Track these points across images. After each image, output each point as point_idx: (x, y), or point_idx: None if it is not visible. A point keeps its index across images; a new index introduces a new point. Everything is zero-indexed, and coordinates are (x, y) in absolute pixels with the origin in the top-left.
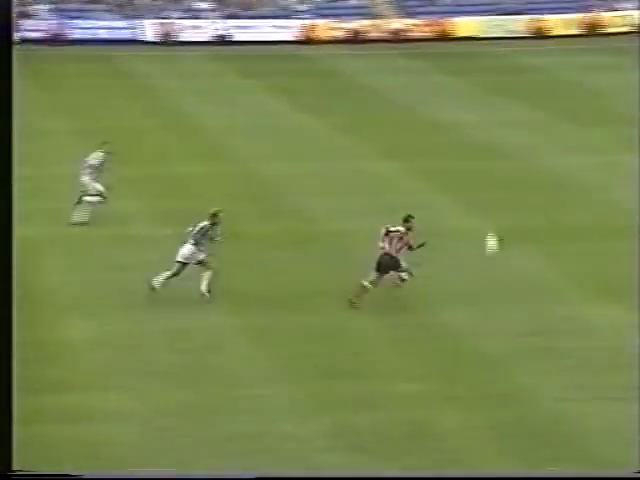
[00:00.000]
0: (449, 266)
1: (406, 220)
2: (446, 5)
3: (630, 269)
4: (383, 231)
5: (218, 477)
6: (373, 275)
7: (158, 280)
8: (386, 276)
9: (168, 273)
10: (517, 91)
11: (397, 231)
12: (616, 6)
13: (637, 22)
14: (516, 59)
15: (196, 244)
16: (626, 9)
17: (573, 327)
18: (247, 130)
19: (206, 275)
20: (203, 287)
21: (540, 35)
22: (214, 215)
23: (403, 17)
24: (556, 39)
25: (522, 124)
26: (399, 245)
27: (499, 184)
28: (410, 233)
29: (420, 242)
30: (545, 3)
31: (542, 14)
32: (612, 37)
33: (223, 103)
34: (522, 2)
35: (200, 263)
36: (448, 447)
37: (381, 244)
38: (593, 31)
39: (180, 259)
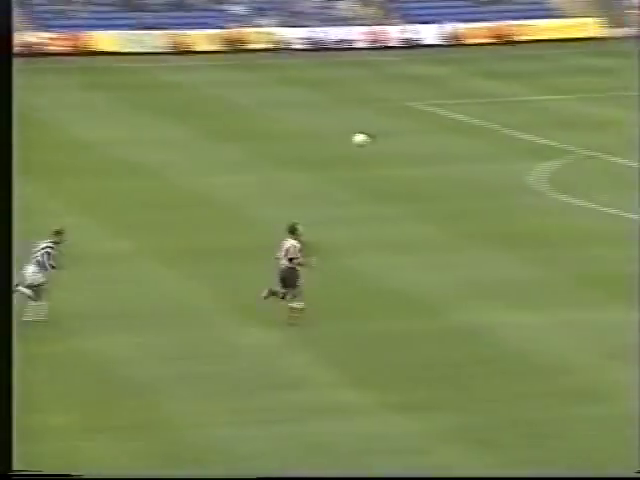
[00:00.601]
0: (95, 290)
1: (292, 231)
2: (83, 18)
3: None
4: (284, 245)
5: (218, 477)
6: (291, 292)
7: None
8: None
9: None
10: (159, 108)
11: (290, 244)
12: (257, 22)
13: (278, 39)
14: (157, 75)
15: (39, 266)
16: (267, 26)
17: (221, 350)
18: None
19: (36, 302)
20: (30, 315)
21: (182, 51)
22: (58, 233)
23: (37, 30)
24: (198, 55)
25: (164, 142)
26: (295, 256)
27: (143, 204)
28: (299, 245)
29: (311, 255)
30: (186, 18)
31: (183, 29)
32: (254, 53)
33: None
34: (163, 17)
35: (38, 286)
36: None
37: (280, 259)
38: (235, 47)
39: (24, 283)
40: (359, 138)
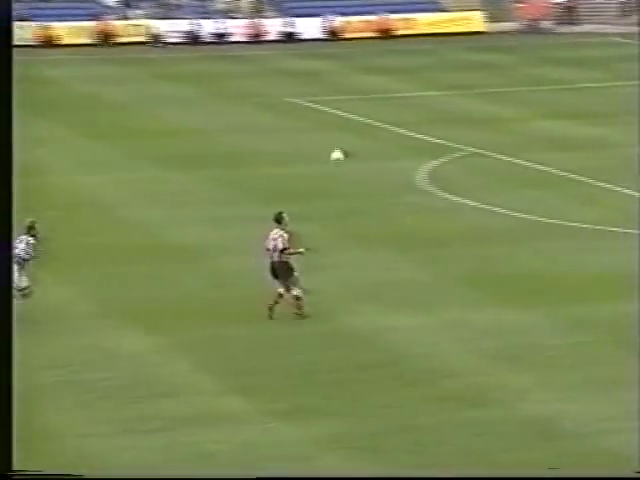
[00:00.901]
0: None
1: (279, 220)
2: None
3: (152, 291)
4: (273, 237)
5: (218, 478)
6: (286, 283)
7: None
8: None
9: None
10: (29, 104)
11: (279, 235)
12: (128, 15)
13: (151, 32)
14: (26, 69)
15: (22, 266)
16: (138, 17)
17: (98, 357)
18: None
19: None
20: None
21: (49, 44)
22: (31, 227)
23: None
24: (67, 48)
25: (35, 140)
26: (286, 246)
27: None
28: (287, 235)
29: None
30: (54, 9)
31: (51, 21)
32: (126, 47)
33: None
34: (30, 7)
35: (22, 290)
36: None
37: (269, 251)
38: (106, 40)
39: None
40: (336, 155)
